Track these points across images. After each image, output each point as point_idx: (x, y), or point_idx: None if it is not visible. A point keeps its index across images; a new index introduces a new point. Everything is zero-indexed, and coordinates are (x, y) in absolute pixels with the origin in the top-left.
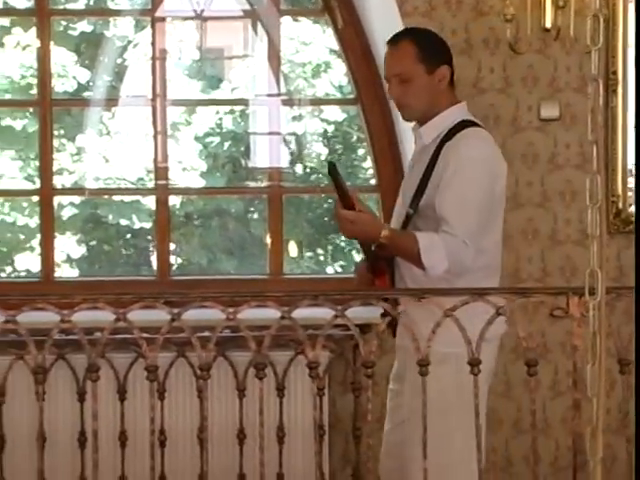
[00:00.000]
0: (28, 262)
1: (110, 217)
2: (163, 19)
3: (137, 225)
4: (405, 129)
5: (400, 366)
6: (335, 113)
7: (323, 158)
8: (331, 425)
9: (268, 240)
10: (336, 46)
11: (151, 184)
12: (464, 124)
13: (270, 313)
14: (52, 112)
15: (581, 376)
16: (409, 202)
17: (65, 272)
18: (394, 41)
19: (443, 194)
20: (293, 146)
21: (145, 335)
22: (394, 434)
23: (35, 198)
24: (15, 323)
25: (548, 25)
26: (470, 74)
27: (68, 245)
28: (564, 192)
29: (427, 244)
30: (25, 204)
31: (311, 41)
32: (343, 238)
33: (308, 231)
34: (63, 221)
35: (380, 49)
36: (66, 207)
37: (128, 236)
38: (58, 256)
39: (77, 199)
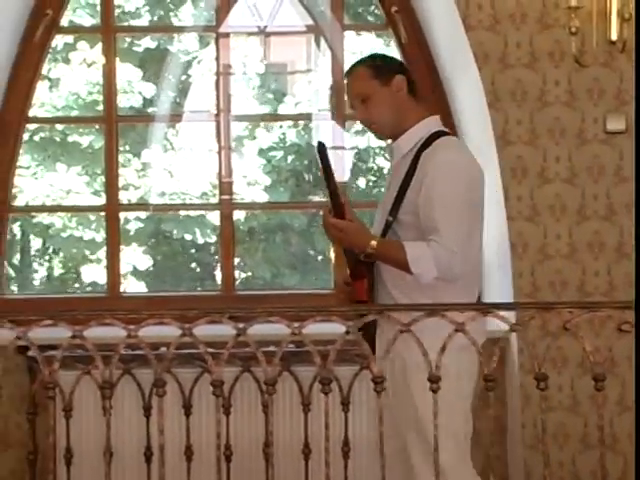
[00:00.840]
0: (94, 274)
1: (175, 232)
2: (227, 35)
3: (201, 240)
4: (470, 142)
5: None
6: None
7: (385, 172)
8: None
9: (332, 254)
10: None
11: (215, 199)
12: (439, 134)
13: (335, 328)
14: (118, 128)
15: None
16: (389, 210)
17: (131, 284)
18: (348, 73)
19: (428, 204)
20: (356, 160)
21: (210, 350)
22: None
23: (101, 213)
24: (82, 338)
25: (614, 37)
26: (535, 87)
27: (134, 257)
28: (630, 205)
29: (415, 253)
30: (92, 218)
31: None
32: None
33: None
34: (129, 234)
35: (444, 63)
36: (132, 221)
37: (192, 251)
38: (124, 267)
39: (143, 214)
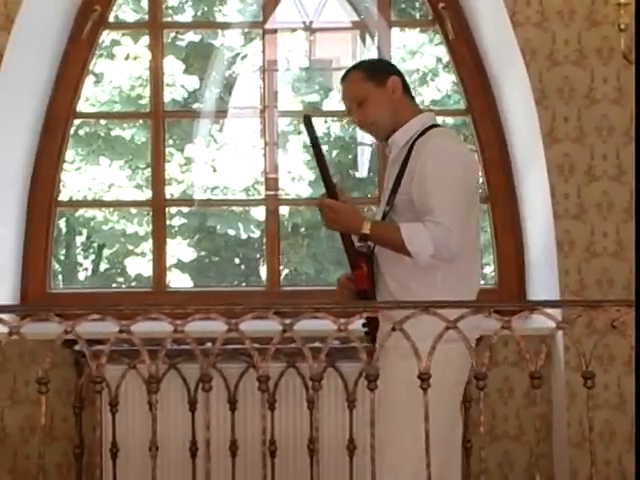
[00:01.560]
0: (139, 268)
1: (218, 227)
2: (274, 31)
3: (244, 235)
4: (517, 140)
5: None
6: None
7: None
8: None
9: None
10: (442, 55)
11: (258, 194)
12: (434, 127)
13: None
14: (164, 123)
15: None
16: (386, 201)
17: (175, 276)
18: (343, 78)
19: (422, 186)
20: None
21: (256, 345)
22: None
23: (146, 207)
24: (129, 333)
25: None
26: (583, 84)
27: (179, 250)
28: None
29: (410, 232)
30: (134, 211)
31: (418, 50)
32: None
33: None
34: (173, 228)
35: (492, 60)
36: (175, 216)
37: (236, 246)
38: (169, 260)
39: (186, 208)
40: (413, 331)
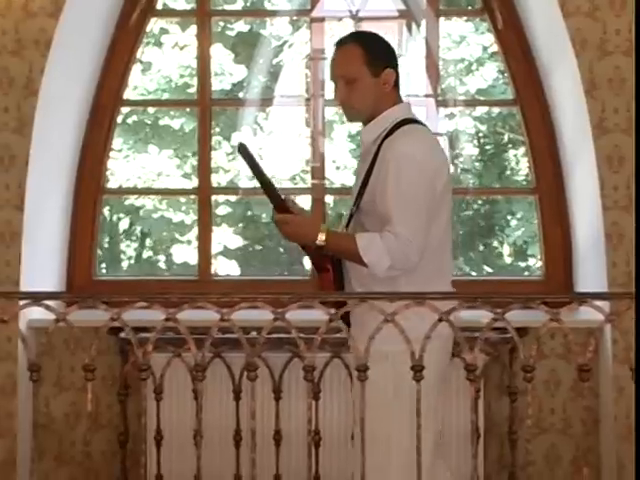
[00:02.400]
0: (185, 256)
1: (264, 216)
2: (321, 19)
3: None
4: (565, 130)
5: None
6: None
7: (473, 158)
8: (486, 429)
9: None
10: (488, 43)
11: (304, 182)
12: (404, 122)
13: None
14: (211, 112)
15: None
16: (353, 200)
17: (221, 264)
18: (341, 44)
19: (384, 193)
20: (445, 145)
21: (302, 335)
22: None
23: (192, 196)
24: (176, 321)
25: None
26: (633, 75)
27: (225, 237)
28: None
29: (365, 243)
30: (182, 200)
31: (464, 39)
32: (495, 240)
33: (459, 232)
34: (219, 216)
35: (541, 50)
36: (221, 205)
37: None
38: (214, 248)
39: (232, 197)
40: (377, 337)
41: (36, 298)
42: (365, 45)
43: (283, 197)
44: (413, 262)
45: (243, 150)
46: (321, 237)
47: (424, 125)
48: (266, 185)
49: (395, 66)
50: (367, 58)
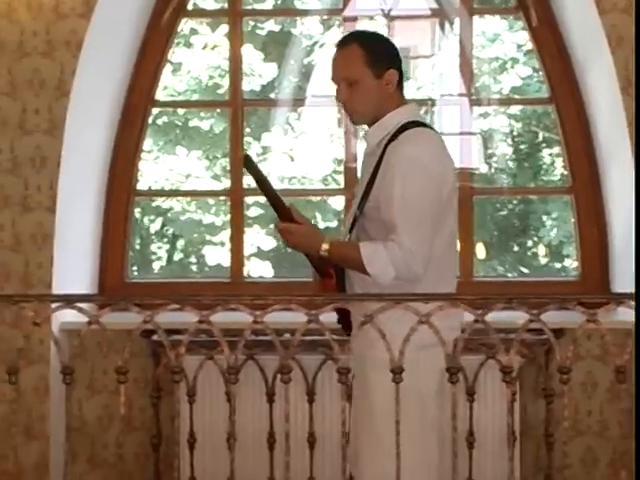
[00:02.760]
0: (216, 258)
1: None
2: (353, 18)
3: (322, 225)
4: (601, 128)
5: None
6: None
7: (508, 158)
8: (522, 431)
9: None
10: (523, 41)
11: (337, 183)
12: (409, 125)
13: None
14: (243, 112)
15: None
16: (357, 204)
17: (255, 265)
18: (342, 44)
19: (389, 200)
20: (479, 145)
21: (335, 337)
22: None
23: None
24: (209, 323)
25: None
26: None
27: (257, 239)
28: None
29: (369, 253)
30: (211, 202)
31: (498, 37)
32: (530, 240)
33: (493, 232)
34: (251, 217)
35: (576, 47)
36: (252, 206)
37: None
38: (247, 249)
39: (263, 198)
40: (381, 345)
41: (68, 301)
42: (366, 45)
43: (288, 206)
44: (417, 273)
45: (248, 161)
46: (325, 247)
47: (430, 127)
48: (270, 194)
49: (398, 66)
50: (369, 59)
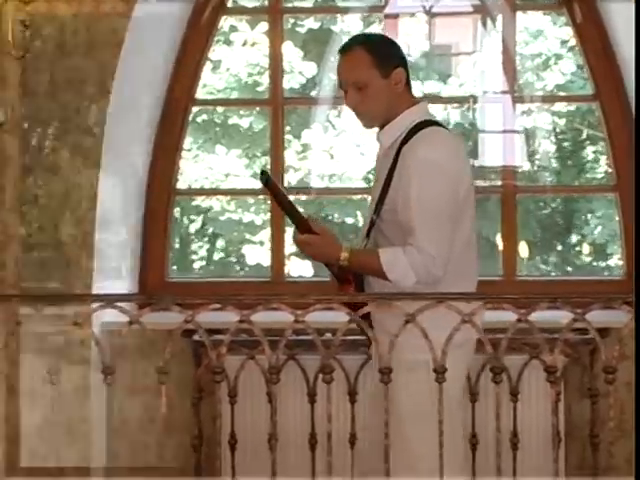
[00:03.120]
0: (256, 257)
1: (336, 215)
2: (394, 16)
3: (362, 223)
4: None
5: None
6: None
7: (551, 155)
8: (567, 432)
9: (498, 240)
10: (567, 37)
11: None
12: (423, 125)
13: (507, 316)
14: (283, 110)
15: None
16: (374, 208)
17: (294, 265)
18: (346, 50)
19: (406, 203)
20: (522, 142)
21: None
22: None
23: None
24: (250, 323)
25: None
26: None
27: None
28: None
29: (389, 259)
30: (251, 201)
31: (541, 33)
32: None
33: (537, 231)
34: None
35: (622, 44)
36: None
37: (353, 235)
38: (288, 249)
39: (303, 197)
40: (406, 345)
41: (109, 300)
42: (371, 47)
43: (306, 217)
44: (437, 276)
45: (265, 177)
46: (344, 256)
47: (444, 126)
48: (287, 207)
49: (404, 64)
50: (375, 61)
